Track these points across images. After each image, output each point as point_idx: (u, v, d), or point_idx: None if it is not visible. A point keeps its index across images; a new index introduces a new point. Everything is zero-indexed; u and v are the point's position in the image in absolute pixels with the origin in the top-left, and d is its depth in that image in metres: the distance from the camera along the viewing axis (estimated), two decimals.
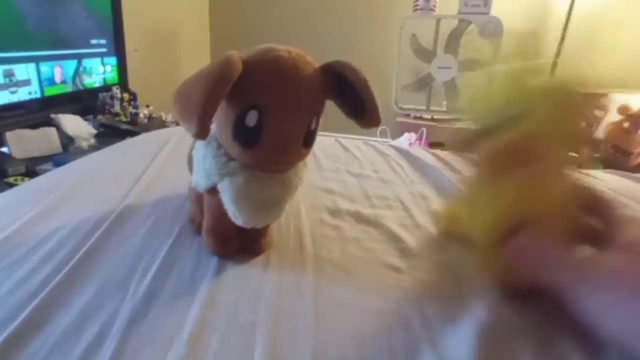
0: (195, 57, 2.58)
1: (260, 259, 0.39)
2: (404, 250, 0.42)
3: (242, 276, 0.37)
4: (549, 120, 0.32)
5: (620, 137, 2.08)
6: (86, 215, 0.45)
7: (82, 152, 1.36)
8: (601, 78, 2.12)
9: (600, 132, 2.16)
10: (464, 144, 0.35)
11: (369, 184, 0.59)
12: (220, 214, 0.37)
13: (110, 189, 0.53)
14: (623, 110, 2.08)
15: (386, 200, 0.54)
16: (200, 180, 0.38)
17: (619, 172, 0.71)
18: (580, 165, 0.36)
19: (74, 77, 1.63)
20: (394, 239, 0.44)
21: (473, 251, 0.37)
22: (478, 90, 0.36)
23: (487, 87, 0.36)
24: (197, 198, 0.42)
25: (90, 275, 0.35)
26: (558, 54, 2.17)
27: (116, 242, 0.41)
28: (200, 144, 0.38)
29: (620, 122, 2.09)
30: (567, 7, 2.08)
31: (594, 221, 0.34)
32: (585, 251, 0.30)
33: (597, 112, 2.17)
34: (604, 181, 0.65)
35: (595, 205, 0.34)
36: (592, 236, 0.32)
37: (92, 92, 1.74)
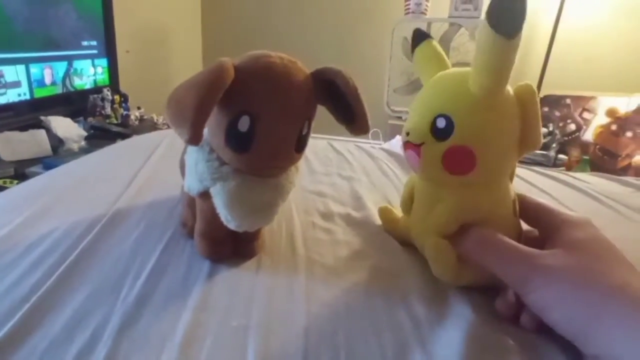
0: (187, 59, 2.57)
1: (252, 262, 0.40)
2: (394, 252, 0.43)
3: (234, 279, 0.37)
4: (492, 124, 0.32)
5: (608, 140, 2.12)
6: (77, 219, 0.45)
7: (72, 155, 1.35)
8: (589, 81, 2.16)
9: (589, 135, 2.20)
10: (410, 146, 0.36)
11: (360, 187, 0.60)
12: (213, 218, 0.37)
13: (101, 192, 0.53)
14: (611, 113, 2.12)
15: (377, 204, 0.55)
16: (192, 184, 0.38)
17: (605, 174, 0.72)
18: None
19: (64, 79, 1.62)
20: (384, 241, 0.45)
21: (428, 246, 0.37)
22: (422, 94, 0.36)
23: (431, 91, 0.36)
24: (189, 202, 0.43)
25: (81, 279, 0.35)
26: (547, 58, 2.20)
27: (108, 246, 0.41)
28: (192, 148, 0.38)
29: (608, 125, 2.13)
30: (555, 14, 2.12)
31: (533, 229, 0.36)
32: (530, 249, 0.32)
33: (586, 115, 2.21)
34: (590, 183, 0.66)
35: (535, 213, 0.36)
36: (532, 243, 0.33)
37: (83, 94, 1.73)
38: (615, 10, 2.20)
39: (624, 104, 2.11)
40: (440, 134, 0.33)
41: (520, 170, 0.72)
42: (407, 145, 0.36)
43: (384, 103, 2.32)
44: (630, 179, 0.68)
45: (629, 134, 2.07)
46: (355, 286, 0.37)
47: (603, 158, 2.12)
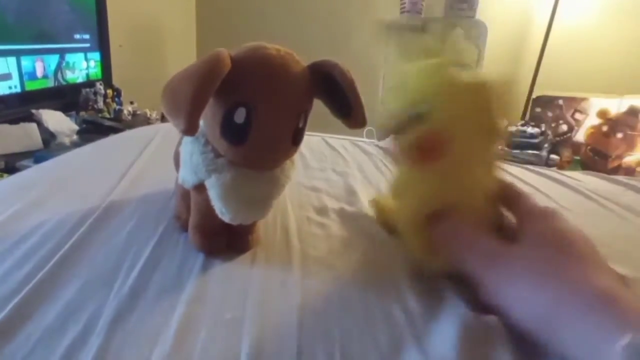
0: (182, 53, 2.55)
1: (246, 256, 0.40)
2: (388, 246, 0.43)
3: (228, 273, 0.37)
4: (460, 114, 0.33)
5: (600, 140, 2.14)
6: (70, 211, 0.45)
7: (64, 149, 1.34)
8: (581, 83, 2.18)
9: (580, 135, 2.22)
10: (384, 134, 0.37)
11: (355, 183, 0.60)
12: (207, 211, 0.37)
13: (94, 185, 0.52)
14: (602, 114, 2.14)
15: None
16: (187, 176, 0.38)
17: (596, 173, 0.73)
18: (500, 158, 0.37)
19: (55, 72, 1.60)
20: (378, 235, 0.45)
21: (401, 238, 0.39)
22: (394, 84, 0.37)
23: (402, 81, 0.37)
24: (184, 195, 0.42)
25: (74, 271, 0.35)
26: (540, 59, 2.22)
27: (100, 239, 0.41)
28: (187, 139, 0.38)
29: (599, 126, 2.16)
30: (549, 14, 2.14)
31: (507, 214, 0.36)
32: (495, 242, 0.31)
33: (578, 116, 2.23)
34: (582, 182, 0.67)
35: (508, 197, 0.36)
36: (505, 228, 0.34)
37: (75, 88, 1.71)
38: (606, 12, 2.22)
39: (615, 106, 2.13)
40: (412, 121, 0.34)
41: (513, 169, 0.72)
42: (383, 135, 0.37)
43: (378, 101, 2.32)
44: (621, 177, 0.69)
45: (619, 135, 2.10)
46: (350, 280, 0.37)
47: (594, 158, 2.15)
